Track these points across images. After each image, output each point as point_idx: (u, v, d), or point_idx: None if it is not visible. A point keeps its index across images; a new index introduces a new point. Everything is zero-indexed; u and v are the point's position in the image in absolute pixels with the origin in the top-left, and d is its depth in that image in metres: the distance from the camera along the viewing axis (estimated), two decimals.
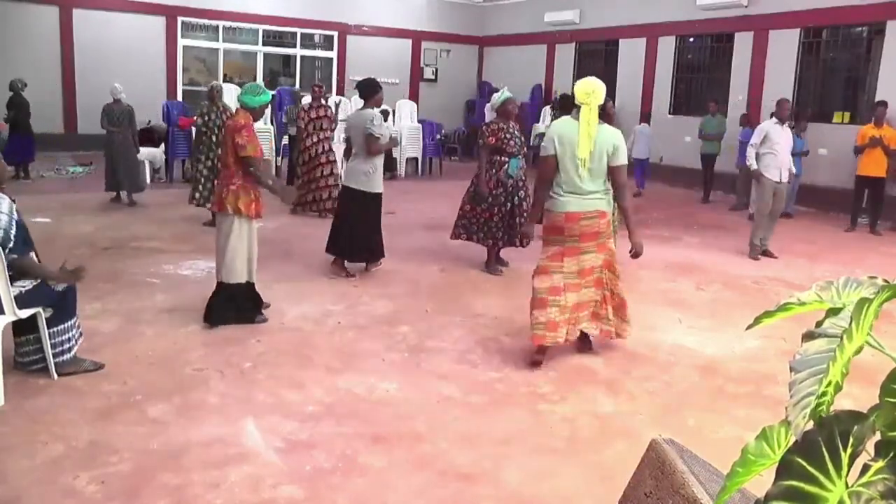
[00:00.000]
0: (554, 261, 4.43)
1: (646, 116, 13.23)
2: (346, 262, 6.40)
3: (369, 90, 6.21)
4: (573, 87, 4.55)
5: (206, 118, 8.51)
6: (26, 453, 3.15)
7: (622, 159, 4.39)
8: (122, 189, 9.41)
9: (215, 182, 8.41)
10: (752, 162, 7.91)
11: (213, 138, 8.41)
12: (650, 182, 12.93)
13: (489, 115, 12.49)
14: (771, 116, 8.16)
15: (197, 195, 8.47)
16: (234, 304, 4.90)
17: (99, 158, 10.43)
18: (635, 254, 4.62)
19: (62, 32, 14.18)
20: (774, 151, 7.74)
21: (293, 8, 16.44)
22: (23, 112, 11.28)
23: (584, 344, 4.74)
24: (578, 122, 4.33)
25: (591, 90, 4.33)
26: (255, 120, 4.90)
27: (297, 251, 7.15)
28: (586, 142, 4.26)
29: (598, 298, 4.54)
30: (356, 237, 6.23)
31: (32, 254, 3.95)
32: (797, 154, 10.78)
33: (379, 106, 6.30)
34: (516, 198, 6.45)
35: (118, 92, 9.31)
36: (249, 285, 4.97)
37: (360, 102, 6.27)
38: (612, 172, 4.39)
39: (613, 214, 7.00)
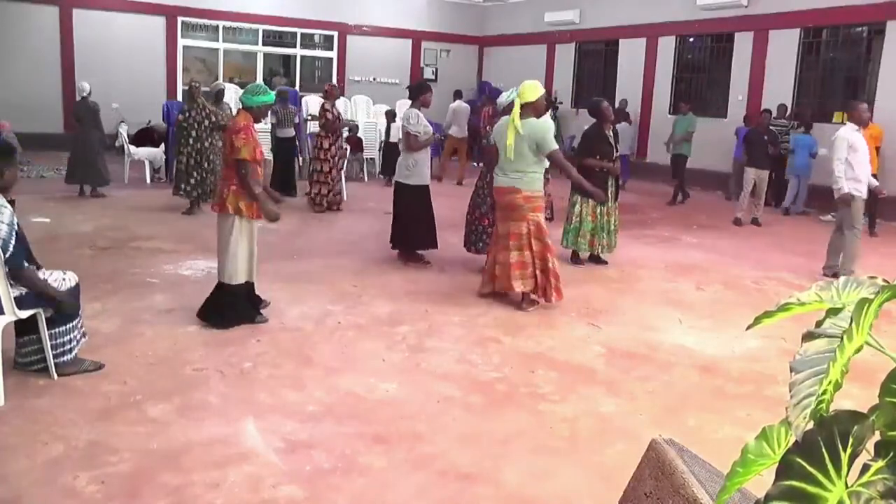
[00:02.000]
0: (496, 227, 5.65)
1: (624, 115, 13.19)
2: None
3: (416, 90, 6.72)
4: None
5: (186, 115, 8.94)
6: (26, 453, 3.14)
7: (550, 146, 5.38)
8: (84, 183, 9.77)
9: (195, 175, 8.81)
10: (842, 184, 6.64)
11: (193, 133, 8.90)
12: (649, 182, 12.92)
13: (457, 111, 12.60)
14: (845, 122, 7.06)
15: (182, 186, 8.99)
16: (234, 306, 4.87)
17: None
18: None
19: (62, 32, 14.18)
20: (858, 163, 6.76)
21: (293, 8, 16.43)
22: None
23: (526, 298, 5.58)
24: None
25: (520, 90, 5.41)
26: (257, 121, 4.84)
27: (297, 251, 7.15)
28: (511, 133, 5.34)
29: (529, 262, 5.47)
30: (398, 226, 6.69)
31: (33, 266, 3.90)
32: (812, 154, 10.83)
33: (427, 106, 6.64)
34: None
35: (85, 90, 9.60)
36: (249, 285, 4.96)
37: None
38: (549, 158, 5.46)
39: (612, 213, 7.12)
